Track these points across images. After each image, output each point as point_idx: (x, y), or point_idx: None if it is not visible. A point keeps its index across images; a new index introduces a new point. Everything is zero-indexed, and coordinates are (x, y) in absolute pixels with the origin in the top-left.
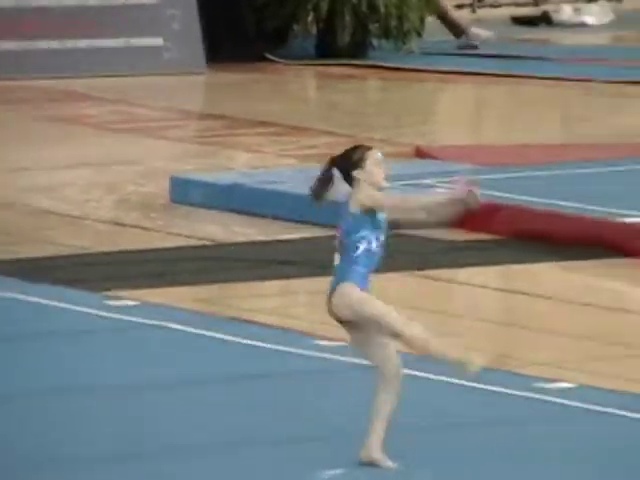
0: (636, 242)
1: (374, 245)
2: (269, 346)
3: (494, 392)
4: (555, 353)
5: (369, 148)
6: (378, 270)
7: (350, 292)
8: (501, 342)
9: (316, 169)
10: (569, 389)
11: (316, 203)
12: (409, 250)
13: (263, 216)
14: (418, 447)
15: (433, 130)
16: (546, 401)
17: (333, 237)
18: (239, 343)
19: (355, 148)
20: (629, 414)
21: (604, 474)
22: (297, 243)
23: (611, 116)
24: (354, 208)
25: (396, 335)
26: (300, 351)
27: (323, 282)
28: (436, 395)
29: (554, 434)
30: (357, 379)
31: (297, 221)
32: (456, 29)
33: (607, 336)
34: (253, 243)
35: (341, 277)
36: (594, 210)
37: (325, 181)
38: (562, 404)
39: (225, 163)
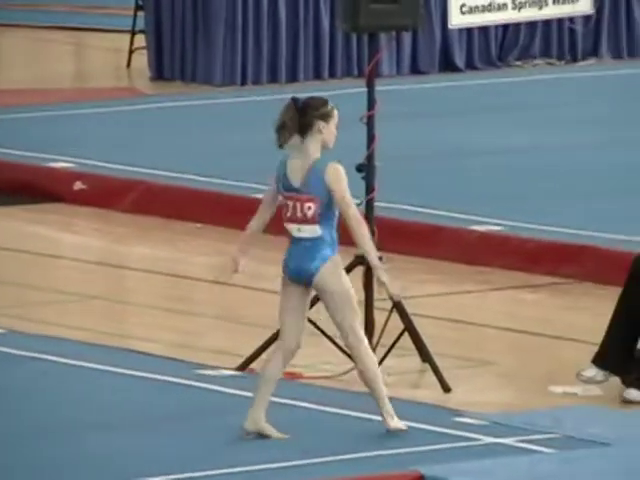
0: (63, 187)
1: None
2: None
3: None
4: None
5: (333, 106)
6: None
7: (342, 272)
8: None
9: None
10: None
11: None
12: None
13: None
14: None
15: None
16: None
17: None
18: None
19: (323, 100)
20: (53, 358)
21: None
22: None
23: (35, 62)
24: (328, 178)
25: (350, 340)
26: None
27: None
28: None
29: None
30: None
31: None
32: None
33: (39, 281)
34: None
35: (328, 250)
36: (24, 156)
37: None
38: None
39: None
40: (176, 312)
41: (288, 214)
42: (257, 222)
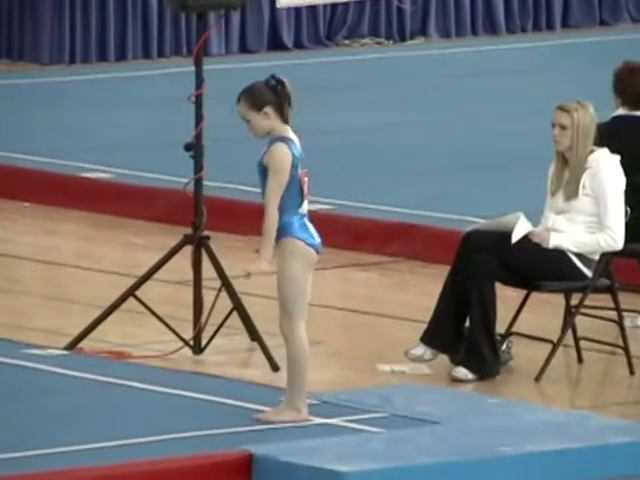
0: None
1: None
2: None
3: None
4: None
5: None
6: None
7: None
8: None
9: None
10: None
11: None
12: None
13: None
14: None
15: None
16: None
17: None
18: None
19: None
20: None
21: None
22: None
23: None
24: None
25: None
26: None
27: None
28: None
29: None
30: None
31: None
32: None
33: None
34: None
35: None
36: None
37: None
38: None
39: None
40: (3, 291)
41: (306, 190)
42: None
